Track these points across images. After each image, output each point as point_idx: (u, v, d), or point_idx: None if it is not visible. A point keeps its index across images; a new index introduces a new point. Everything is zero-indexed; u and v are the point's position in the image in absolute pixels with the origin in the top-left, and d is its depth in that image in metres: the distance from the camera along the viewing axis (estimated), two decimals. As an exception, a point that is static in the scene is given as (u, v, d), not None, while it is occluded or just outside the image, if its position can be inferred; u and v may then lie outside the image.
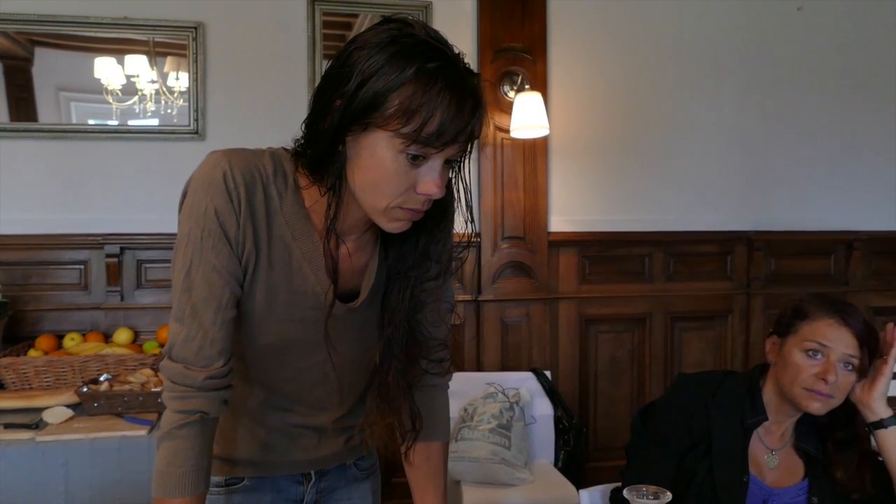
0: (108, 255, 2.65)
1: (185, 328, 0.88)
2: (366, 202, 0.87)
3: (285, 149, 0.93)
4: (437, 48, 0.82)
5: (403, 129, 0.80)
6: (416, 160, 0.82)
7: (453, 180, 0.91)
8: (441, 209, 0.94)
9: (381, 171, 0.83)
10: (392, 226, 0.88)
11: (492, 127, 2.92)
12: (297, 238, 0.93)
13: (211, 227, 0.87)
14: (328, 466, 1.12)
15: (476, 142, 0.88)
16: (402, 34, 0.81)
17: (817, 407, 1.28)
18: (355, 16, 2.90)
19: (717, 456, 1.30)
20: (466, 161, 0.90)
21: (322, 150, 0.86)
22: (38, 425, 1.81)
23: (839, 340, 1.27)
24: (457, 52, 0.84)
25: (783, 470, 1.33)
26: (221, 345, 0.89)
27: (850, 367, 1.27)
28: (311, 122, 0.87)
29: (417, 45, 0.81)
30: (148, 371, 2.11)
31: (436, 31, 0.85)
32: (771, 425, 1.35)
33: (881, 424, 1.27)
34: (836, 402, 1.28)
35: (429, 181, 0.84)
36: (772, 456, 1.35)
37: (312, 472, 1.11)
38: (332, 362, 1.00)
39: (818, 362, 1.28)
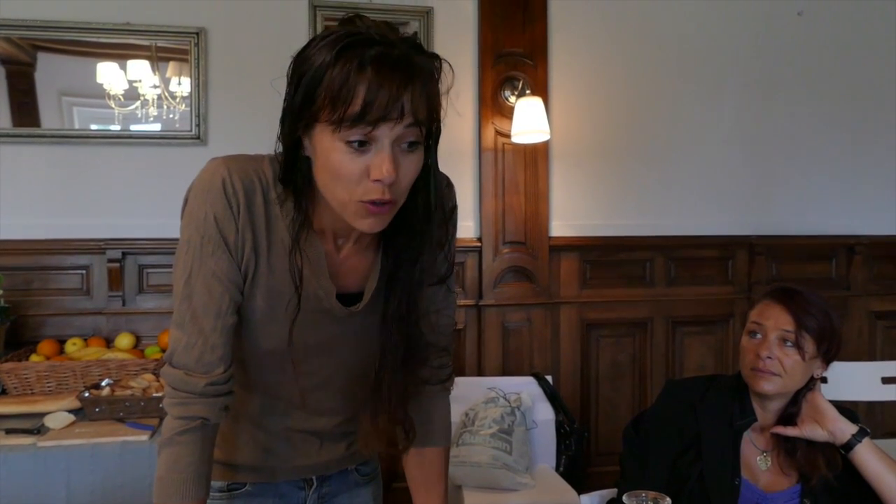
0: (110, 260, 2.66)
1: (185, 335, 0.89)
2: (332, 201, 0.86)
3: None
4: (364, 35, 0.79)
5: (333, 117, 0.78)
6: (361, 146, 0.80)
7: (431, 167, 0.88)
8: (427, 208, 0.91)
9: (331, 165, 0.82)
10: (362, 223, 0.85)
11: (493, 132, 2.92)
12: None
13: (210, 233, 0.87)
14: (330, 472, 1.12)
15: (442, 123, 0.85)
16: (337, 31, 0.80)
17: (764, 386, 1.30)
18: (357, 21, 2.90)
19: (708, 459, 1.30)
20: (434, 147, 0.88)
21: (287, 158, 0.87)
22: (39, 430, 1.81)
23: (773, 317, 1.31)
24: (404, 36, 0.81)
25: (776, 473, 1.33)
26: (222, 351, 0.90)
27: (790, 344, 1.30)
28: (279, 137, 0.88)
29: (345, 36, 0.79)
30: (149, 376, 2.11)
31: (384, 24, 0.81)
32: (761, 426, 1.35)
33: (850, 445, 1.27)
34: (788, 381, 1.30)
35: (377, 164, 0.80)
36: (764, 458, 1.34)
37: (314, 478, 1.11)
38: (329, 367, 1.00)
39: (757, 341, 1.33)
